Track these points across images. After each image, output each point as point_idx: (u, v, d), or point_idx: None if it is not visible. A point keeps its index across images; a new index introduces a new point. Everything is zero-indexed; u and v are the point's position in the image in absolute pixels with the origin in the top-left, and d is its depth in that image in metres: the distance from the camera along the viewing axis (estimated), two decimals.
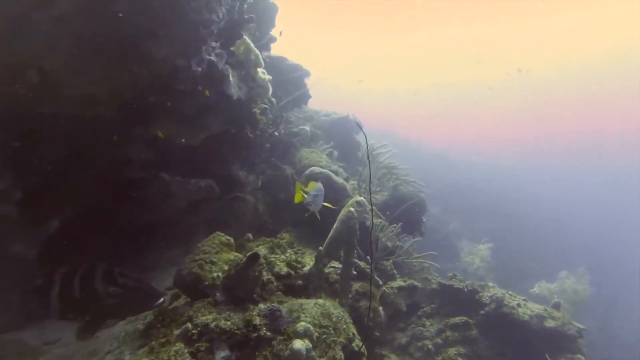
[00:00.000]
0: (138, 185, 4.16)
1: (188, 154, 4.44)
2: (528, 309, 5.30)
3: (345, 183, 5.67)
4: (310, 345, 3.10)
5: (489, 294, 5.65)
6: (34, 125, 2.88)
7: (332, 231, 4.35)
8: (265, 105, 5.18)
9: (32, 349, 3.29)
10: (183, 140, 3.92)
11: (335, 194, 5.51)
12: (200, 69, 3.36)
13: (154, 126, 3.63)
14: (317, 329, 3.32)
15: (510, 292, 5.69)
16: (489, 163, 29.13)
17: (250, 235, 4.99)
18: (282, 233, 5.12)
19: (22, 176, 2.84)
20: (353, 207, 4.35)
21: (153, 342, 2.83)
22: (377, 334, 4.63)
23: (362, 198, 4.61)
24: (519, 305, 5.35)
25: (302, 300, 3.71)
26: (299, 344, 3.03)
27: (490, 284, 6.21)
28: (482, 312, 5.47)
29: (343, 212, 4.38)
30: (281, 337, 3.20)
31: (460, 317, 5.57)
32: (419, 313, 5.87)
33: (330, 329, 3.41)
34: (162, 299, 3.19)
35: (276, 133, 6.16)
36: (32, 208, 2.98)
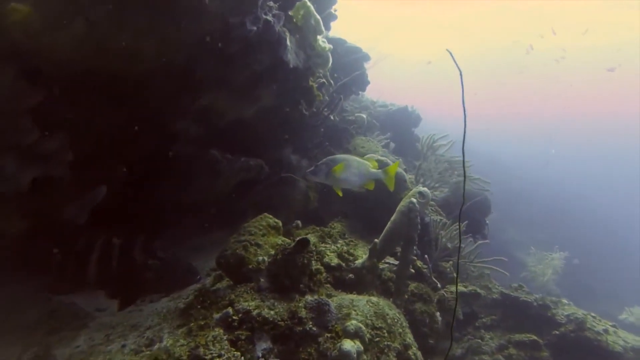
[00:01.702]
0: (186, 161, 4.01)
1: (238, 130, 4.22)
2: (620, 339, 4.47)
3: (404, 173, 5.17)
4: (362, 347, 2.72)
5: (565, 313, 4.88)
6: (81, 83, 2.77)
7: (389, 223, 3.91)
8: (323, 80, 4.81)
9: (84, 313, 3.28)
10: (233, 114, 3.68)
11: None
12: (255, 28, 3.06)
13: (203, 96, 3.41)
14: (370, 330, 2.92)
15: (592, 314, 4.87)
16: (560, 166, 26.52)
17: (299, 222, 4.70)
18: (333, 222, 4.77)
19: (73, 138, 2.76)
20: (415, 198, 3.87)
21: (192, 324, 2.61)
22: (432, 341, 4.13)
23: (425, 189, 4.11)
24: (606, 331, 4.54)
25: (353, 296, 3.33)
26: (348, 345, 2.66)
27: (565, 300, 5.41)
28: (556, 332, 4.73)
29: (403, 203, 3.92)
30: (328, 335, 2.86)
31: (527, 335, 4.88)
32: (477, 324, 5.26)
33: (384, 331, 3.00)
34: (199, 277, 2.99)
35: (332, 117, 5.79)
36: (82, 172, 2.90)
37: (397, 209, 3.95)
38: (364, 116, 7.43)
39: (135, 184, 3.49)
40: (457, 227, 4.92)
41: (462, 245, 5.26)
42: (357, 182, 3.07)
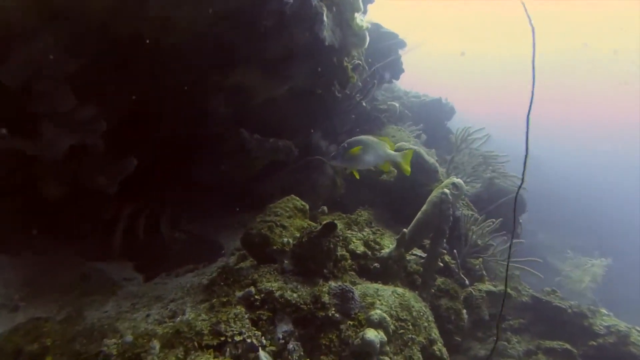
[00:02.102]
0: (215, 139, 3.99)
1: (267, 111, 4.15)
2: None
3: (437, 164, 4.97)
4: (385, 338, 2.62)
5: (605, 324, 4.58)
6: (114, 53, 2.76)
7: (419, 213, 3.76)
8: (358, 62, 4.65)
9: (112, 281, 3.37)
10: (263, 92, 3.59)
11: (425, 175, 4.86)
12: (291, 1, 2.94)
13: (234, 72, 3.33)
14: (394, 322, 2.82)
15: (638, 328, 4.54)
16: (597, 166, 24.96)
17: (325, 207, 4.62)
18: (360, 210, 4.65)
19: (105, 109, 2.78)
20: (448, 189, 3.69)
21: (214, 300, 2.60)
22: (457, 339, 3.97)
23: (459, 180, 3.91)
24: None
25: (378, 286, 3.23)
26: (372, 335, 2.56)
27: (604, 310, 5.08)
28: (594, 343, 4.45)
29: (435, 194, 3.75)
30: (351, 322, 2.78)
31: (560, 342, 4.61)
32: (504, 325, 5.04)
33: (409, 324, 2.89)
34: (223, 252, 2.97)
35: (364, 103, 5.63)
36: (114, 144, 2.93)
37: (429, 199, 3.79)
38: (397, 105, 7.20)
39: (164, 159, 3.51)
40: (489, 223, 4.69)
41: (493, 243, 5.02)
42: (373, 162, 3.12)
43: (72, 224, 3.04)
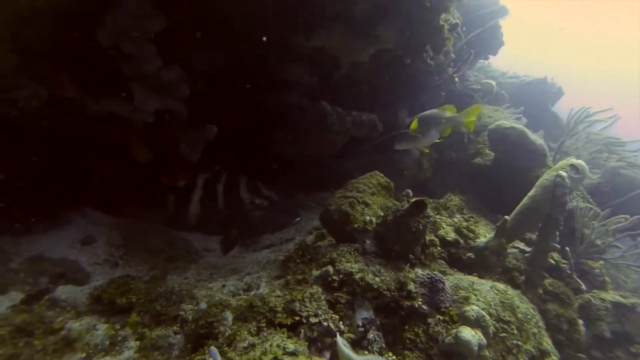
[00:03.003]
0: (294, 112, 3.81)
1: (350, 83, 3.85)
2: None
3: (544, 146, 4.19)
4: (484, 340, 2.19)
5: None
6: (195, 14, 2.69)
7: (526, 199, 3.17)
8: (456, 21, 4.09)
9: (194, 250, 3.47)
10: (347, 57, 3.30)
11: (530, 158, 4.14)
12: None
13: (315, 34, 3.08)
14: (494, 322, 2.36)
15: None
16: None
17: (409, 191, 4.21)
18: (449, 195, 4.14)
19: (188, 72, 2.76)
20: (565, 172, 3.03)
21: (289, 277, 2.43)
22: (570, 352, 3.30)
23: (580, 161, 3.20)
24: None
25: (473, 278, 2.78)
26: (468, 334, 2.16)
27: None
28: None
29: (547, 177, 3.12)
30: (440, 317, 2.40)
31: None
32: (633, 350, 4.10)
33: (513, 327, 2.40)
34: (299, 218, 2.78)
35: (456, 78, 5.02)
36: (195, 111, 2.93)
37: (539, 182, 3.17)
38: (493, 83, 6.35)
39: (242, 130, 3.45)
40: (620, 220, 3.81)
41: (620, 245, 4.10)
42: (437, 135, 3.04)
43: (155, 192, 3.15)
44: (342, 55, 3.34)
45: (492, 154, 4.50)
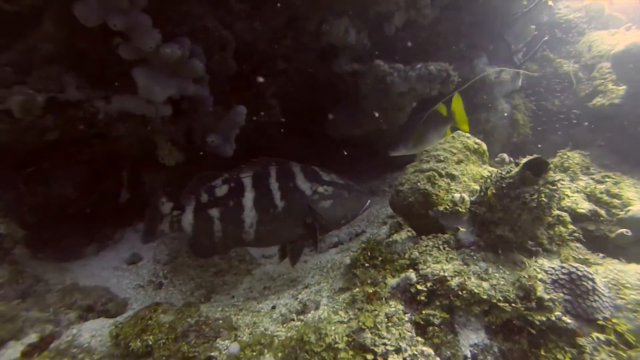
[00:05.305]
0: (350, 81, 3.13)
1: (410, 34, 3.04)
2: None
3: None
4: None
5: None
6: None
7: None
8: None
9: (249, 259, 3.03)
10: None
11: None
12: None
13: None
14: None
15: None
16: None
17: (504, 155, 3.25)
18: (563, 152, 3.07)
19: (207, 44, 2.26)
20: None
21: (356, 289, 1.76)
22: None
23: None
24: None
25: (638, 267, 1.81)
26: None
27: None
28: None
29: None
30: (597, 336, 1.54)
31: None
32: None
33: None
34: (369, 201, 2.10)
35: (550, 2, 3.82)
36: (225, 94, 2.42)
37: None
38: (603, 3, 4.87)
39: (284, 108, 2.87)
40: None
41: None
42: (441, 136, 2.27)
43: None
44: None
45: (623, 87, 3.27)
